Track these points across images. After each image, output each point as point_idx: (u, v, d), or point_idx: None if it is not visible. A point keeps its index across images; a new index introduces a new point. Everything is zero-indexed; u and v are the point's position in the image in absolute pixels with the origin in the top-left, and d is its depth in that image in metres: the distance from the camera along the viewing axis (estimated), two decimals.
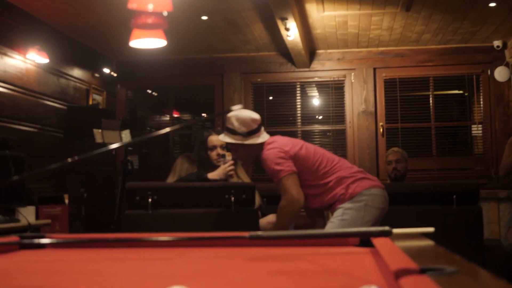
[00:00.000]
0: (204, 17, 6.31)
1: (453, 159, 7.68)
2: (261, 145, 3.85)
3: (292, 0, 5.59)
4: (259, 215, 4.26)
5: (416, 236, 2.09)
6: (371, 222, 3.60)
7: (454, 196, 3.89)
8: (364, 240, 2.14)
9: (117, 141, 6.27)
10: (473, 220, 3.89)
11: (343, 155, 7.89)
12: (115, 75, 7.90)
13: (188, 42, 7.33)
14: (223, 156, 4.23)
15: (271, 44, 7.47)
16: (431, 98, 7.83)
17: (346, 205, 3.70)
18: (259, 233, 2.05)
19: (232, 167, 4.19)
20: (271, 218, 4.27)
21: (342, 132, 7.95)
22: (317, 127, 8.12)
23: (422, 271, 1.20)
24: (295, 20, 5.81)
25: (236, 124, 3.81)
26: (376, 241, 1.91)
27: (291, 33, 6.04)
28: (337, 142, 8.02)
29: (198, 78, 8.21)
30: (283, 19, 5.72)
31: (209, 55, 8.01)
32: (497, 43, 7.43)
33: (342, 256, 1.92)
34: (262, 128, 3.93)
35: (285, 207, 3.70)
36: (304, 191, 3.74)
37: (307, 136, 8.03)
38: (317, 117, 8.23)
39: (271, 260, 1.89)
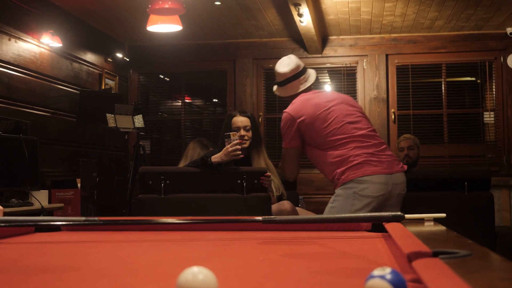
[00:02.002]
0: (218, 2, 6.31)
1: (465, 146, 7.66)
2: (288, 98, 3.94)
3: None
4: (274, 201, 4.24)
5: (428, 221, 2.11)
6: (364, 211, 3.52)
7: (466, 183, 3.89)
8: (376, 225, 2.17)
9: (130, 126, 6.30)
10: (484, 206, 3.89)
11: None
12: (127, 60, 7.92)
13: (201, 27, 7.33)
14: (228, 136, 4.10)
15: (284, 29, 7.46)
16: (443, 85, 7.80)
17: (337, 191, 3.67)
18: (273, 217, 2.08)
19: (236, 147, 4.05)
20: (284, 205, 4.26)
21: None
22: None
23: (435, 255, 1.22)
24: (308, 6, 5.80)
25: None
26: (389, 226, 1.94)
27: (304, 19, 6.03)
28: None
29: (210, 63, 8.21)
30: (296, 5, 5.71)
31: (221, 40, 8.01)
32: (510, 30, 7.39)
33: (355, 240, 1.94)
34: (292, 83, 3.90)
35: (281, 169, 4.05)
36: (311, 153, 3.81)
37: None
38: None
39: (285, 243, 1.92)
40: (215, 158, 4.08)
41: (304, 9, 5.80)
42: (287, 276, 1.27)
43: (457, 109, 7.80)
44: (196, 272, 0.99)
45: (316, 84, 8.15)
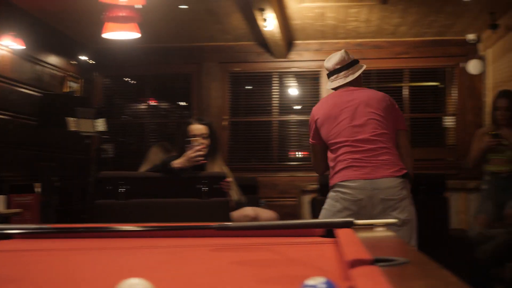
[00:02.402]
0: (183, 6, 6.30)
1: (427, 150, 7.75)
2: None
3: None
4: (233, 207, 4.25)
5: (379, 227, 2.13)
6: (344, 213, 3.57)
7: (422, 187, 3.94)
8: (331, 231, 2.18)
9: (91, 129, 6.25)
10: (440, 210, 3.95)
11: None
12: (92, 62, 7.87)
13: (166, 30, 7.32)
14: (189, 142, 4.11)
15: (250, 34, 7.48)
16: (406, 90, 7.90)
17: (329, 193, 3.74)
18: (227, 223, 2.09)
19: (197, 153, 4.07)
20: (247, 211, 4.27)
21: None
22: (294, 117, 8.16)
23: (375, 262, 1.23)
24: (273, 11, 5.82)
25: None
26: (339, 232, 1.95)
27: (269, 23, 6.05)
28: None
29: (176, 66, 8.21)
30: (261, 10, 5.73)
31: (187, 44, 8.00)
32: (471, 36, 7.52)
33: (305, 246, 1.96)
34: (332, 77, 3.89)
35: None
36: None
37: (283, 126, 8.08)
38: (294, 107, 8.26)
39: (236, 250, 1.92)
40: (176, 163, 4.08)
41: (269, 14, 5.82)
42: (229, 286, 1.28)
43: (419, 114, 7.90)
44: (133, 284, 0.99)
45: (282, 88, 8.21)
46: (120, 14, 4.39)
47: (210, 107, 8.02)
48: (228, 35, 7.57)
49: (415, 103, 7.90)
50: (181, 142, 4.27)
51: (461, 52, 7.73)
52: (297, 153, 8.26)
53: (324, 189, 4.26)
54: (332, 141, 3.73)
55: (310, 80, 8.12)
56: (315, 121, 3.81)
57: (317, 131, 3.82)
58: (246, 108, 8.17)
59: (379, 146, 3.67)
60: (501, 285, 5.06)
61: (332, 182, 3.70)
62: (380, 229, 2.09)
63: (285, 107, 8.20)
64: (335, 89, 3.90)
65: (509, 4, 6.29)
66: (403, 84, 7.95)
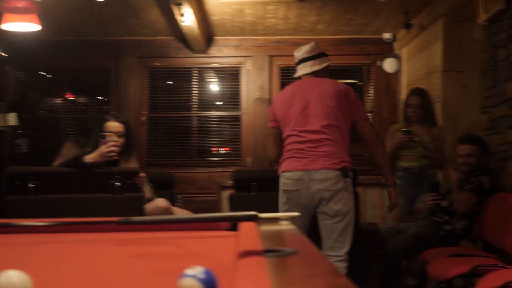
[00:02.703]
0: None
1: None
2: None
3: None
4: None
5: (284, 220, 2.16)
6: (287, 204, 3.78)
7: None
8: (235, 224, 2.20)
9: (2, 124, 6.08)
10: None
11: (238, 141, 7.98)
12: (4, 55, 7.63)
13: (83, 23, 7.17)
14: (103, 137, 4.10)
15: (168, 28, 7.43)
16: None
17: None
18: (129, 218, 2.07)
19: (110, 149, 4.06)
20: (159, 202, 4.26)
21: (238, 118, 8.02)
22: (214, 113, 8.16)
23: (264, 253, 1.25)
24: (191, 6, 5.80)
25: None
26: (242, 225, 1.97)
27: (186, 18, 6.02)
28: (232, 128, 8.09)
29: (93, 60, 8.06)
30: (178, 5, 5.69)
31: (105, 38, 7.86)
32: (387, 35, 7.71)
33: (207, 240, 1.97)
34: (299, 66, 4.10)
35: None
36: None
37: (203, 122, 8.06)
38: (216, 103, 8.25)
39: (137, 244, 1.91)
40: (89, 158, 4.04)
41: (186, 9, 5.79)
42: (120, 278, 1.27)
43: None
44: (10, 277, 0.98)
45: (202, 84, 8.19)
46: (18, 5, 4.29)
47: (128, 102, 7.92)
48: (147, 29, 7.49)
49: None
50: (95, 137, 4.25)
51: (377, 51, 7.91)
52: (220, 149, 8.26)
53: (238, 184, 4.29)
54: (284, 129, 3.90)
55: (230, 76, 8.14)
56: (273, 108, 3.99)
57: (274, 116, 3.96)
58: (166, 103, 8.11)
59: (323, 138, 3.76)
60: (412, 277, 5.22)
61: (278, 172, 3.89)
62: (284, 222, 2.12)
63: (205, 102, 8.19)
64: (299, 78, 4.07)
65: (422, 4, 6.47)
66: None
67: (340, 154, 3.78)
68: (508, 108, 4.63)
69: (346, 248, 3.75)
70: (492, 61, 4.94)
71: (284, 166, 3.82)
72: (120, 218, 2.06)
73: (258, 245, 1.35)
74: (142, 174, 4.12)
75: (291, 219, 3.64)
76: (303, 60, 4.06)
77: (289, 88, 4.05)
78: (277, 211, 3.61)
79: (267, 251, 1.26)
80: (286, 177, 3.77)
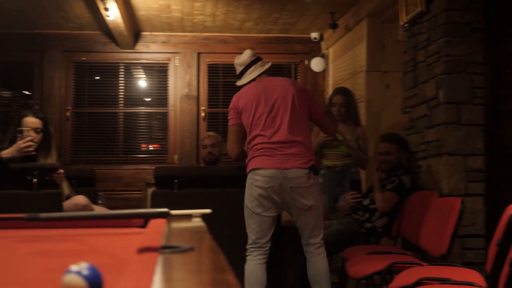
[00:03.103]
0: None
1: None
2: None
3: None
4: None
5: (196, 217, 2.16)
6: (258, 201, 3.88)
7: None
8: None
9: None
10: None
11: (164, 137, 7.93)
12: None
13: (6, 15, 6.95)
14: (21, 131, 4.00)
15: (94, 23, 7.31)
16: None
17: (246, 181, 3.98)
18: (36, 214, 2.03)
19: (27, 144, 3.97)
20: (78, 199, 4.19)
21: (165, 115, 7.97)
22: (141, 109, 8.07)
23: (161, 249, 1.25)
24: (116, 1, 5.72)
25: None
26: (152, 222, 1.96)
27: (111, 13, 5.94)
28: (160, 125, 8.03)
29: (17, 54, 7.84)
30: None
31: (28, 31, 7.66)
32: (314, 35, 7.79)
33: (115, 237, 1.95)
34: (249, 70, 4.15)
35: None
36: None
37: (130, 118, 7.97)
38: (143, 98, 8.15)
39: (42, 241, 1.88)
40: (5, 153, 3.94)
41: (111, 3, 5.72)
42: (13, 276, 1.25)
43: None
44: None
45: (129, 80, 8.09)
46: None
47: (53, 97, 7.76)
48: (72, 23, 7.35)
49: None
50: (12, 132, 4.16)
51: (305, 50, 8.00)
52: (149, 146, 8.17)
53: (159, 181, 4.25)
54: (250, 129, 3.98)
55: (158, 72, 8.07)
56: (236, 107, 4.03)
57: (237, 114, 4.04)
58: (92, 99, 7.97)
59: (292, 140, 3.94)
60: (333, 274, 5.29)
61: (247, 169, 3.95)
62: (196, 219, 2.12)
63: (133, 99, 8.08)
64: (252, 80, 4.15)
65: (348, 5, 6.58)
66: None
67: (308, 154, 3.97)
68: (427, 109, 4.75)
69: (322, 234, 4.05)
70: (412, 62, 5.06)
71: (254, 163, 3.91)
72: (27, 215, 2.01)
73: (158, 242, 1.35)
74: (61, 171, 4.05)
75: (262, 216, 3.82)
76: (252, 63, 4.16)
77: (250, 88, 4.08)
78: (198, 208, 3.60)
79: (164, 247, 1.26)
80: (259, 174, 3.88)
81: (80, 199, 4.14)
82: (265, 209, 3.88)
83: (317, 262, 3.99)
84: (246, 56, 4.18)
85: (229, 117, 4.11)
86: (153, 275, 0.92)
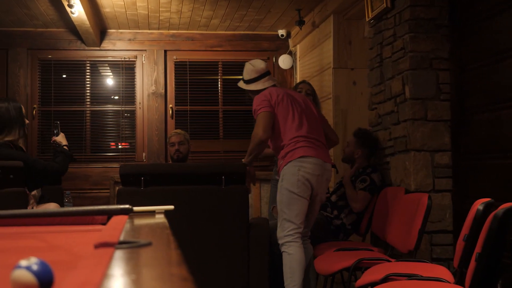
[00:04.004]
0: None
1: (239, 142, 7.89)
2: (258, 92, 4.40)
3: None
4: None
5: (159, 214, 2.14)
6: (304, 185, 4.07)
7: (223, 177, 4.03)
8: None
9: None
10: (240, 199, 4.06)
11: (133, 135, 7.87)
12: None
13: None
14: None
15: (59, 20, 7.22)
16: (219, 82, 8.03)
17: (285, 168, 4.14)
18: None
19: None
20: (50, 206, 4.14)
21: (132, 113, 7.91)
22: (108, 107, 7.99)
23: (117, 244, 1.22)
24: None
25: (244, 72, 4.53)
26: (113, 218, 1.93)
27: (75, 10, 5.86)
28: (127, 123, 7.97)
29: None
30: None
31: None
32: (281, 32, 7.79)
33: (76, 234, 1.91)
34: (265, 78, 4.47)
35: (252, 138, 4.21)
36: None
37: (96, 116, 7.89)
38: (112, 97, 8.07)
39: (0, 239, 1.84)
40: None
41: (75, 0, 5.64)
42: None
43: (232, 106, 8.06)
44: None
45: (95, 78, 8.01)
46: None
47: (18, 95, 7.64)
48: (37, 20, 7.25)
49: (227, 96, 8.03)
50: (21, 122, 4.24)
51: (272, 47, 8.00)
52: (118, 144, 8.09)
53: (126, 179, 4.21)
54: (287, 122, 4.20)
55: (125, 70, 7.99)
56: (269, 100, 4.22)
57: (272, 106, 4.21)
58: (58, 97, 7.87)
59: (322, 139, 4.30)
60: None
61: (293, 156, 4.10)
62: (159, 216, 2.09)
63: (100, 96, 8.00)
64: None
65: (315, 2, 6.58)
66: (217, 77, 8.07)
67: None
68: (393, 105, 4.78)
69: None
70: (378, 58, 5.08)
71: (302, 151, 4.10)
72: None
73: (116, 238, 1.32)
74: None
75: (306, 200, 4.04)
76: (267, 73, 4.50)
77: (275, 90, 4.36)
78: (165, 204, 3.58)
79: (120, 242, 1.23)
80: (309, 162, 4.08)
81: (52, 206, 4.08)
82: (308, 194, 4.08)
83: (309, 248, 4.24)
84: (263, 65, 4.52)
85: (261, 106, 4.20)
86: (106, 269, 0.89)
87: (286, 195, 4.06)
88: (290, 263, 4.00)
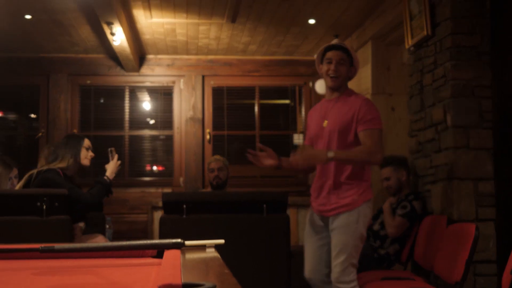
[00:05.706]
0: (28, 16, 6.09)
1: None
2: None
3: (118, 5, 5.55)
4: None
5: (210, 248, 2.15)
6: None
7: (264, 205, 4.03)
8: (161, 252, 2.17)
9: None
10: (281, 227, 4.06)
11: (171, 160, 7.93)
12: None
13: (12, 39, 7.00)
14: (112, 152, 4.64)
15: (100, 46, 7.35)
16: (256, 107, 8.07)
17: (362, 207, 3.73)
18: (51, 245, 2.02)
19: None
20: (98, 240, 4.20)
21: (170, 138, 7.98)
22: (146, 132, 8.07)
23: (183, 287, 1.24)
24: (122, 25, 5.76)
25: None
26: (167, 253, 1.95)
27: (117, 38, 5.97)
28: (165, 148, 8.04)
29: (23, 77, 7.87)
30: (109, 24, 5.65)
31: (34, 54, 7.70)
32: None
33: (130, 269, 1.93)
34: None
35: (366, 152, 3.62)
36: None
37: (135, 141, 7.97)
38: (148, 120, 8.16)
39: (58, 274, 1.87)
40: (110, 174, 4.71)
41: (117, 28, 5.75)
42: None
43: (269, 131, 8.08)
44: None
45: (134, 103, 8.11)
46: None
47: (59, 120, 7.77)
48: (78, 47, 7.39)
49: (265, 121, 8.07)
50: (77, 150, 4.67)
51: (309, 72, 8.01)
52: (153, 167, 8.15)
53: (168, 207, 4.24)
54: None
55: (163, 95, 8.08)
56: None
57: None
58: (97, 122, 7.99)
59: None
60: None
61: (368, 195, 3.75)
62: (210, 249, 2.11)
63: (137, 122, 8.09)
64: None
65: (353, 27, 6.61)
66: (254, 102, 8.11)
67: None
68: (434, 132, 4.75)
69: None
70: (418, 85, 5.06)
71: (371, 193, 3.79)
72: (42, 246, 2.01)
73: (178, 278, 1.34)
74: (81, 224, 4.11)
75: None
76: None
77: None
78: (207, 234, 3.59)
79: (185, 285, 1.25)
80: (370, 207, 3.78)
81: (100, 238, 4.14)
82: None
83: None
84: None
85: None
86: None
87: (360, 239, 3.71)
88: None
